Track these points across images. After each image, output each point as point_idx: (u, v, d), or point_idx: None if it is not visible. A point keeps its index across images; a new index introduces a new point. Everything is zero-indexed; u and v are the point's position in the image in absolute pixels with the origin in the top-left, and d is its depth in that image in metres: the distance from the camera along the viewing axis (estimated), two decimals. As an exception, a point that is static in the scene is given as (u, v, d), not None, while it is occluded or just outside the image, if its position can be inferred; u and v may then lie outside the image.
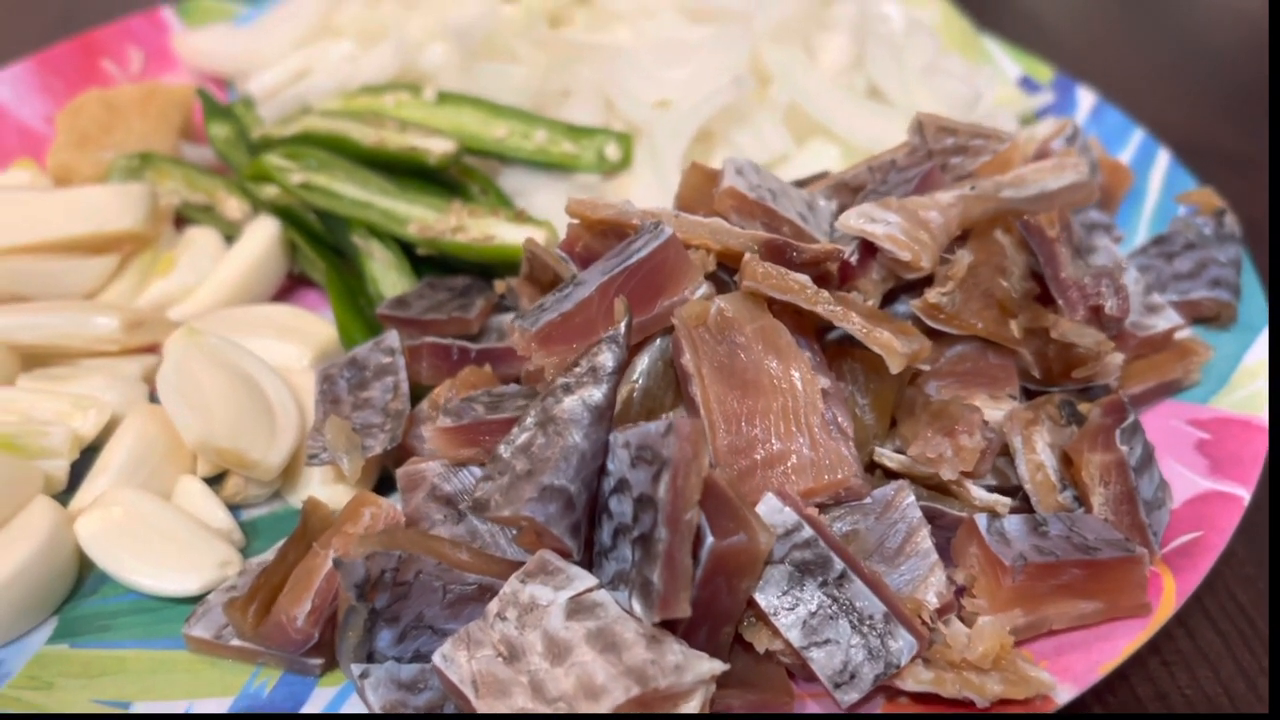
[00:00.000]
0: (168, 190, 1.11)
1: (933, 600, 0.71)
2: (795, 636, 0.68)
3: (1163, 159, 1.15)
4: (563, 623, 0.65)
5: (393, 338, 0.91)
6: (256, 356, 0.91)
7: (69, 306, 0.96)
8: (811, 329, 0.78)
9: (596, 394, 0.69)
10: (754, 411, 0.74)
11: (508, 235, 1.01)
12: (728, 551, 0.65)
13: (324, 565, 0.73)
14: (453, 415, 0.78)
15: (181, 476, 0.87)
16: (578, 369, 0.71)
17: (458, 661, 0.65)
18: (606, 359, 0.71)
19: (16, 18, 1.66)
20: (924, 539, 0.73)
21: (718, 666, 0.64)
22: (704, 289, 0.77)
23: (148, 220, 1.03)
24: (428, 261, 1.05)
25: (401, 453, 0.85)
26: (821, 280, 0.79)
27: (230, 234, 1.09)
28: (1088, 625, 0.73)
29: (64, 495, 0.86)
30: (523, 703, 0.62)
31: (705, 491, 0.65)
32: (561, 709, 0.62)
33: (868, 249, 0.82)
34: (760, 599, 0.68)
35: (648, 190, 1.09)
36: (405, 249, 1.04)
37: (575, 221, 0.84)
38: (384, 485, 0.89)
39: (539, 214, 1.06)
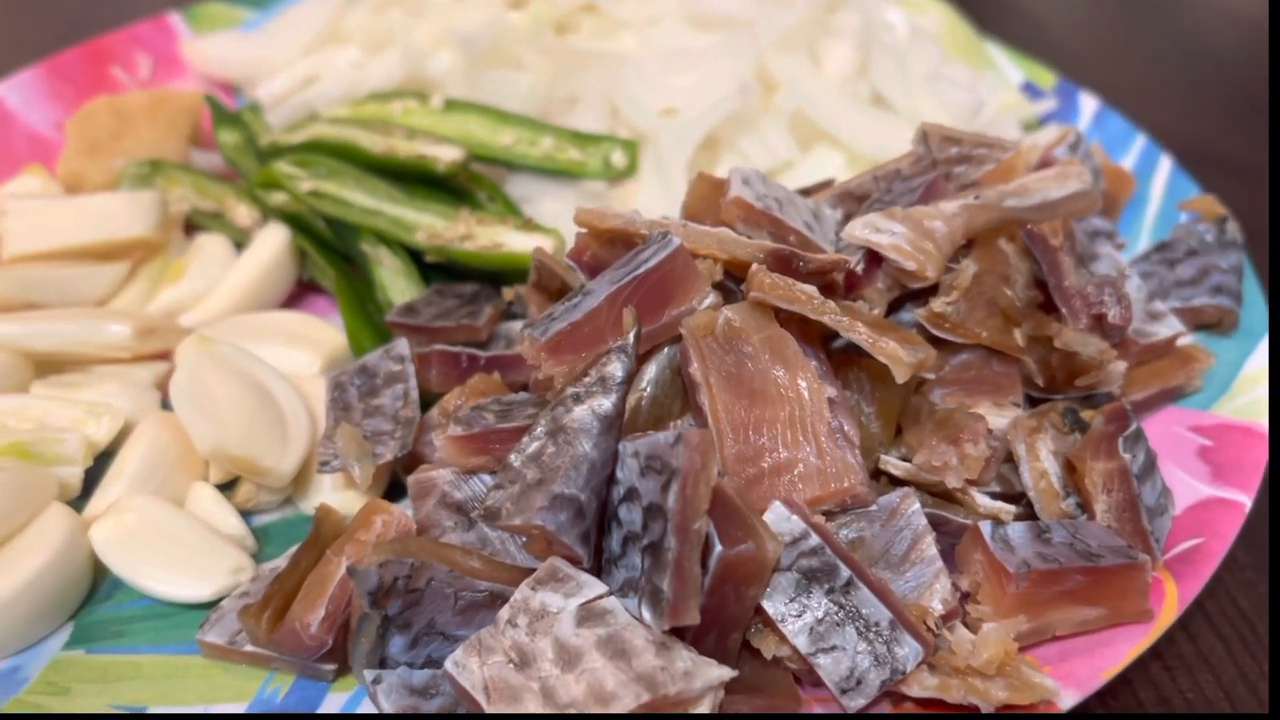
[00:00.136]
0: (178, 197, 1.12)
1: (938, 606, 0.71)
2: (802, 643, 0.69)
3: (1165, 165, 1.15)
4: (573, 629, 0.65)
5: (402, 345, 0.92)
6: (268, 364, 0.92)
7: (81, 314, 0.96)
8: (817, 338, 0.79)
9: (606, 404, 0.70)
10: (761, 420, 0.74)
11: (516, 243, 1.02)
12: (736, 560, 0.66)
13: (337, 572, 0.74)
14: (463, 424, 0.79)
15: (194, 483, 0.88)
16: (587, 379, 0.72)
17: (469, 668, 0.66)
18: (615, 369, 0.71)
19: (25, 24, 1.66)
20: (929, 546, 0.74)
21: (726, 673, 0.65)
22: (711, 299, 0.78)
23: (159, 227, 1.03)
24: (436, 268, 1.05)
25: (412, 459, 0.86)
26: (827, 289, 0.80)
27: (240, 241, 1.10)
28: (1091, 631, 0.74)
29: (78, 502, 0.86)
30: (534, 709, 0.63)
31: (714, 500, 0.66)
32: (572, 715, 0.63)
33: (873, 258, 0.83)
34: (768, 606, 0.69)
35: (653, 197, 1.09)
36: (414, 256, 1.05)
37: (583, 230, 0.85)
38: (394, 491, 0.90)
39: (546, 221, 1.07)
